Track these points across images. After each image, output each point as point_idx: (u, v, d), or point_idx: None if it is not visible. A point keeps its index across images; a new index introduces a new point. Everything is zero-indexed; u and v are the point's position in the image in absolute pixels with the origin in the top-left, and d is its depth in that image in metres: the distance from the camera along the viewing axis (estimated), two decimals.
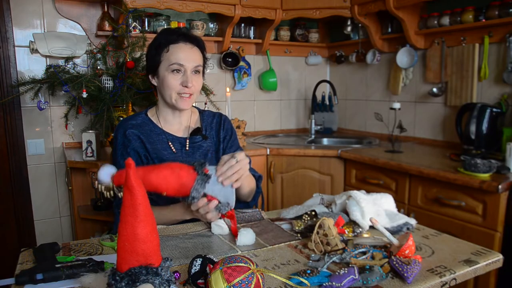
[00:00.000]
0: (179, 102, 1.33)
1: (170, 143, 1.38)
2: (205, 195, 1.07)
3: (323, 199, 1.39)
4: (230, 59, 2.96)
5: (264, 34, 2.92)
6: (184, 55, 1.30)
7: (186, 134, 1.43)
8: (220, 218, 1.15)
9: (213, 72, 2.97)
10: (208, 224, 1.22)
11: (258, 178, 1.48)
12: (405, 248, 0.94)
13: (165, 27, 2.59)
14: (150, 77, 1.39)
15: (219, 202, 1.08)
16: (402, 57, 2.64)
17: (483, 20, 2.17)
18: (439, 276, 0.90)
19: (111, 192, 0.98)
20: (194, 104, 1.55)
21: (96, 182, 0.98)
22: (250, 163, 1.55)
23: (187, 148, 1.40)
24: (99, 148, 2.17)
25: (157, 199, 1.36)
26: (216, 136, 1.48)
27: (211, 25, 2.81)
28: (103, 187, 0.99)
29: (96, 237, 1.22)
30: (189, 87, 1.31)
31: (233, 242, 1.10)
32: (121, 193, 0.94)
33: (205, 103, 2.50)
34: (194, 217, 1.18)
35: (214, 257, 0.87)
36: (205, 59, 1.41)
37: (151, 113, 1.43)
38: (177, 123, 1.42)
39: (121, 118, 2.21)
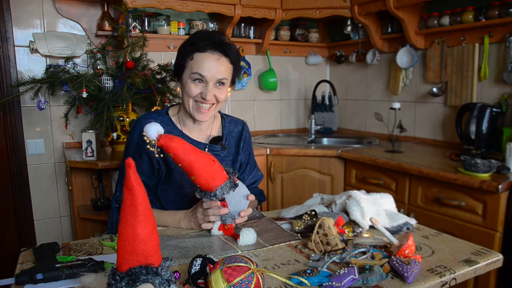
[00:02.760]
0: (196, 113, 1.29)
1: None
2: (223, 199, 1.11)
3: (323, 199, 1.38)
4: None
5: (264, 34, 2.92)
6: (208, 66, 1.23)
7: (206, 140, 1.40)
8: (218, 230, 1.17)
9: None
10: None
11: (260, 195, 1.50)
12: (405, 248, 0.94)
13: (165, 27, 2.58)
14: (176, 79, 1.36)
15: (228, 212, 1.13)
16: (402, 57, 2.64)
17: (483, 20, 2.17)
18: (439, 276, 0.90)
19: (154, 149, 1.05)
20: None
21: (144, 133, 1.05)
22: (261, 179, 1.54)
23: None
24: (99, 148, 2.17)
25: (165, 203, 1.37)
26: (235, 146, 1.45)
27: (211, 25, 2.81)
28: (148, 140, 1.05)
29: (96, 237, 1.22)
30: (208, 100, 1.26)
31: (233, 242, 1.10)
32: (157, 155, 1.03)
33: None
34: (188, 228, 1.22)
35: (214, 257, 0.87)
36: (236, 68, 1.33)
37: (172, 113, 1.39)
38: (197, 129, 1.38)
39: (121, 118, 2.21)
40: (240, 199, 1.14)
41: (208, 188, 1.08)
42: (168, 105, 1.99)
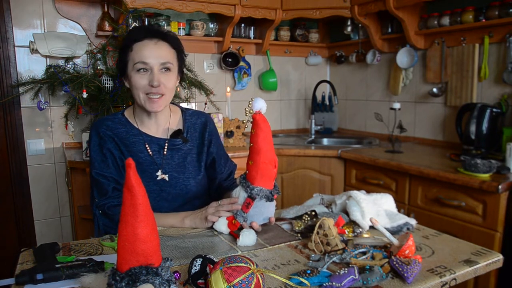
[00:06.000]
0: (148, 104, 1.25)
1: (146, 145, 1.32)
2: (253, 199, 1.13)
3: (323, 199, 1.38)
4: (230, 59, 2.96)
5: (264, 34, 2.92)
6: (148, 52, 1.22)
7: (165, 135, 1.36)
8: (226, 219, 1.17)
9: (213, 72, 2.97)
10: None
11: None
12: (405, 248, 0.94)
13: (165, 27, 2.59)
14: (123, 79, 1.33)
15: (241, 210, 1.15)
16: (402, 57, 2.64)
17: (483, 20, 2.17)
18: (439, 276, 0.90)
19: (247, 116, 1.14)
20: (181, 104, 1.51)
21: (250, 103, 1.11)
22: (235, 168, 1.53)
23: (165, 151, 1.34)
24: None
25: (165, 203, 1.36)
26: (199, 138, 1.41)
27: (211, 25, 2.81)
28: (248, 107, 1.13)
29: (96, 237, 1.22)
30: (156, 87, 1.22)
31: (233, 242, 1.10)
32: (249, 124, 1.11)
33: (205, 103, 2.50)
34: (192, 225, 1.22)
35: (214, 257, 0.87)
36: (180, 55, 1.32)
37: (128, 113, 1.36)
38: (154, 124, 1.35)
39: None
40: (263, 212, 1.16)
41: (252, 180, 1.13)
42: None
